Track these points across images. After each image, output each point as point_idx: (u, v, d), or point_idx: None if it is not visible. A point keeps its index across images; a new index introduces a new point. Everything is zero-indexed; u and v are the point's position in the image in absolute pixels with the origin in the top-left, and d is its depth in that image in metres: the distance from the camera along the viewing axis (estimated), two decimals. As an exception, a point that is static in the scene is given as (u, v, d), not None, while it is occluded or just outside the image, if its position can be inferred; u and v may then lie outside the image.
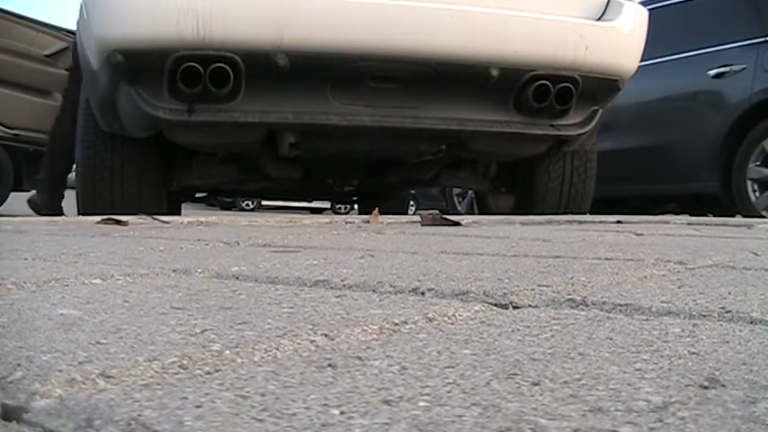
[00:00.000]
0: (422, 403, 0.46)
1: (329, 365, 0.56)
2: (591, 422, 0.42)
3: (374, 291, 0.95)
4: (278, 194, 7.71)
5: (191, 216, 3.00)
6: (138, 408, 0.45)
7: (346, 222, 2.81)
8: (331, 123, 3.17)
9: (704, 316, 0.78)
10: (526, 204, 3.98)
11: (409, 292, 0.95)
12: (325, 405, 0.46)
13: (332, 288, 0.99)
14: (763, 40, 5.03)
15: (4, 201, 8.00)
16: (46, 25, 6.94)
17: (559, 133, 3.40)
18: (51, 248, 1.56)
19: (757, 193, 4.98)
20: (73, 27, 4.11)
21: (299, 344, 0.64)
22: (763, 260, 1.38)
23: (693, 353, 0.60)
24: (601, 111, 3.49)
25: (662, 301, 0.85)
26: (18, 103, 6.40)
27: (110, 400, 0.47)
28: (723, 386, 0.50)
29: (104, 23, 3.00)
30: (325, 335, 0.67)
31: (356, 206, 6.64)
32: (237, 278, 1.10)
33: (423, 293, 0.93)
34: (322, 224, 2.67)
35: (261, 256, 1.41)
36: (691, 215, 4.66)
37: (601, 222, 2.95)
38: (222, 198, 15.52)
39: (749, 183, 5.00)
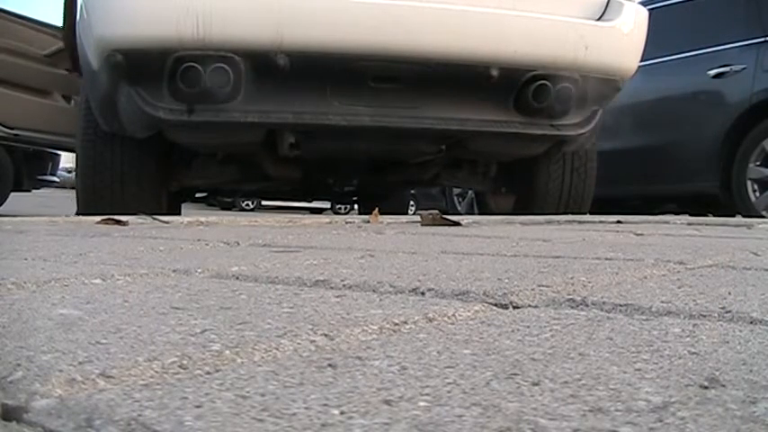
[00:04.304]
0: (422, 403, 0.46)
1: (329, 365, 0.56)
2: (591, 422, 0.42)
3: (374, 291, 0.95)
4: (278, 194, 7.71)
5: (191, 216, 3.00)
6: (138, 408, 0.45)
7: (346, 222, 2.81)
8: (331, 123, 3.17)
9: (704, 316, 0.78)
10: (526, 204, 3.98)
11: (409, 292, 0.95)
12: (326, 405, 0.46)
13: (332, 288, 0.99)
14: (763, 40, 5.03)
15: (4, 201, 8.00)
16: (46, 25, 6.93)
17: (559, 133, 3.40)
18: (51, 248, 1.56)
19: (757, 193, 4.98)
20: (73, 27, 4.10)
21: (299, 344, 0.64)
22: (763, 260, 1.38)
23: (693, 353, 0.60)
24: (601, 111, 3.49)
25: (662, 301, 0.85)
26: (18, 103, 6.39)
27: (110, 400, 0.47)
28: (723, 386, 0.50)
29: (104, 23, 3.00)
30: (326, 335, 0.67)
31: (356, 206, 6.64)
32: (237, 278, 1.09)
33: (423, 293, 0.93)
34: (322, 224, 2.67)
35: (261, 256, 1.41)
36: (691, 215, 4.67)
37: (601, 222, 2.95)
38: (222, 198, 15.52)
39: (749, 183, 5.00)
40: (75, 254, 1.45)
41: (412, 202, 9.56)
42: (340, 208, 12.76)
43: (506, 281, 1.02)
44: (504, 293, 0.90)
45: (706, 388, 0.49)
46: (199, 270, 1.18)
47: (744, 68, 5.06)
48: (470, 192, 6.55)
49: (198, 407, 0.45)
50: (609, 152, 5.04)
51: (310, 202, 12.95)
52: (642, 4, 3.65)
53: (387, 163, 4.03)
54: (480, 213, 4.94)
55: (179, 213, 3.92)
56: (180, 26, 2.85)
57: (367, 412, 0.44)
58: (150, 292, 0.93)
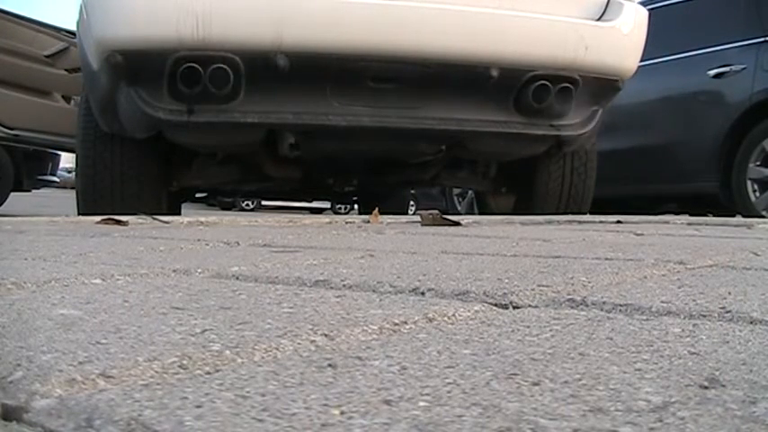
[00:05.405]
0: (422, 403, 0.46)
1: (329, 365, 0.56)
2: (591, 422, 0.42)
3: (374, 291, 0.95)
4: (278, 194, 7.72)
5: (191, 216, 3.00)
6: (138, 408, 0.45)
7: (346, 222, 2.81)
8: (331, 124, 3.17)
9: (704, 316, 0.78)
10: (526, 204, 3.98)
11: (409, 292, 0.95)
12: (326, 405, 0.46)
13: (332, 288, 0.99)
14: (763, 40, 5.03)
15: (5, 201, 8.00)
16: (46, 25, 6.93)
17: (559, 133, 3.40)
18: (51, 248, 1.56)
19: (757, 193, 4.98)
20: (73, 27, 4.11)
21: (299, 344, 0.64)
22: (763, 260, 1.38)
23: (693, 353, 0.60)
24: (601, 111, 3.49)
25: (662, 301, 0.85)
26: (18, 104, 6.40)
27: (110, 400, 0.47)
28: (723, 386, 0.50)
29: (104, 24, 3.00)
30: (326, 335, 0.67)
31: (356, 206, 6.64)
32: (237, 278, 1.09)
33: (423, 293, 0.93)
34: (322, 224, 2.67)
35: (261, 256, 1.41)
36: (691, 215, 4.66)
37: (601, 222, 2.95)
38: (222, 198, 15.53)
39: (749, 183, 5.00)
40: (76, 254, 1.45)
41: (412, 202, 9.55)
42: (340, 208, 12.76)
43: (506, 281, 1.02)
44: (504, 293, 0.90)
45: (706, 388, 0.49)
46: (199, 270, 1.18)
47: (744, 68, 5.06)
48: (470, 192, 6.55)
49: (198, 407, 0.45)
50: (609, 152, 5.04)
51: (310, 202, 12.96)
52: (642, 4, 3.65)
53: (387, 163, 4.03)
54: (480, 213, 4.94)
55: (179, 213, 3.92)
56: (180, 26, 2.85)
57: (367, 412, 0.44)
58: (150, 292, 0.93)
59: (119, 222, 2.50)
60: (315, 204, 14.52)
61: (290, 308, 0.82)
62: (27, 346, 0.62)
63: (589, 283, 1.02)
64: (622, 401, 0.46)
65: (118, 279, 1.07)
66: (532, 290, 0.93)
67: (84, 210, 3.56)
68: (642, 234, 2.14)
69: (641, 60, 3.50)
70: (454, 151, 3.72)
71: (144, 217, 2.73)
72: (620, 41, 3.35)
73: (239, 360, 0.59)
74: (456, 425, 0.42)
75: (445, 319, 0.77)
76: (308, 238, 1.94)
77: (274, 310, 0.81)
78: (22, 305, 0.83)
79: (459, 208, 7.30)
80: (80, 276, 1.08)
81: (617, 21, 3.31)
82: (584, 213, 3.84)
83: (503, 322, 0.74)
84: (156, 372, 0.55)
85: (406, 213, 6.66)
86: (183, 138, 3.33)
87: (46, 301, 0.86)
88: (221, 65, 2.92)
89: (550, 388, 0.50)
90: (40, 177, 8.58)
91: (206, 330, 0.69)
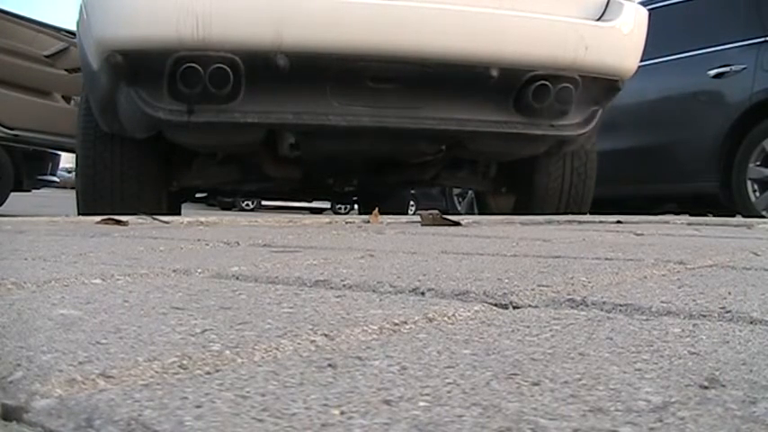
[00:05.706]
0: (422, 403, 0.46)
1: (329, 365, 0.56)
2: (591, 422, 0.42)
3: (374, 291, 0.95)
4: (278, 194, 7.72)
5: (191, 216, 3.00)
6: (138, 408, 0.45)
7: (346, 222, 2.81)
8: (331, 124, 3.17)
9: (704, 316, 0.78)
10: (526, 204, 3.98)
11: (409, 292, 0.95)
12: (326, 405, 0.46)
13: (332, 288, 0.99)
14: (763, 40, 5.03)
15: (5, 201, 8.01)
16: (46, 25, 6.93)
17: (559, 133, 3.40)
18: (51, 248, 1.56)
19: (757, 193, 4.98)
20: (73, 27, 4.11)
21: (299, 344, 0.64)
22: (763, 260, 1.38)
23: (693, 353, 0.60)
24: (601, 111, 3.49)
25: (662, 301, 0.85)
26: (18, 104, 6.40)
27: (110, 400, 0.47)
28: (723, 386, 0.50)
29: (104, 24, 3.00)
30: (326, 335, 0.67)
31: (356, 206, 6.64)
32: (237, 278, 1.09)
33: (423, 293, 0.93)
34: (322, 224, 2.67)
35: (261, 256, 1.41)
36: (691, 215, 4.66)
37: (601, 222, 2.95)
38: (222, 198, 15.53)
39: (749, 183, 5.00)
40: (76, 254, 1.45)
41: (412, 202, 9.56)
42: (340, 208, 12.77)
43: (506, 281, 1.02)
44: (504, 293, 0.90)
45: (706, 388, 0.49)
46: (199, 270, 1.18)
47: (744, 68, 5.06)
48: (470, 192, 6.55)
49: (198, 407, 0.45)
50: (609, 152, 5.04)
51: (310, 202, 12.97)
52: (642, 4, 3.65)
53: (387, 163, 4.03)
54: (480, 213, 4.94)
55: (179, 213, 3.92)
56: (180, 27, 2.85)
57: (367, 412, 0.44)
58: (150, 292, 0.93)
59: (119, 222, 2.50)
60: (315, 204, 14.52)
61: (290, 308, 0.82)
62: (27, 346, 0.62)
63: (589, 283, 1.02)
64: (622, 401, 0.46)
65: (118, 279, 1.07)
66: (532, 290, 0.93)
67: (84, 210, 3.56)
68: (642, 234, 2.14)
69: (641, 60, 3.50)
70: (454, 151, 3.72)
71: (144, 217, 2.73)
72: (620, 41, 3.35)
73: (239, 360, 0.59)
74: (456, 425, 0.42)
75: (445, 319, 0.77)
76: (308, 238, 1.94)
77: (274, 310, 0.81)
78: (22, 305, 0.83)
79: (459, 208, 7.30)
80: (80, 276, 1.08)
81: (617, 21, 3.31)
82: (584, 213, 3.84)
83: (503, 322, 0.74)
84: (156, 372, 0.55)
85: (406, 213, 6.66)
86: (183, 138, 3.33)
87: (46, 301, 0.86)
88: (221, 65, 2.92)
89: (550, 388, 0.50)
90: (40, 177, 8.58)
91: (206, 330, 0.69)
